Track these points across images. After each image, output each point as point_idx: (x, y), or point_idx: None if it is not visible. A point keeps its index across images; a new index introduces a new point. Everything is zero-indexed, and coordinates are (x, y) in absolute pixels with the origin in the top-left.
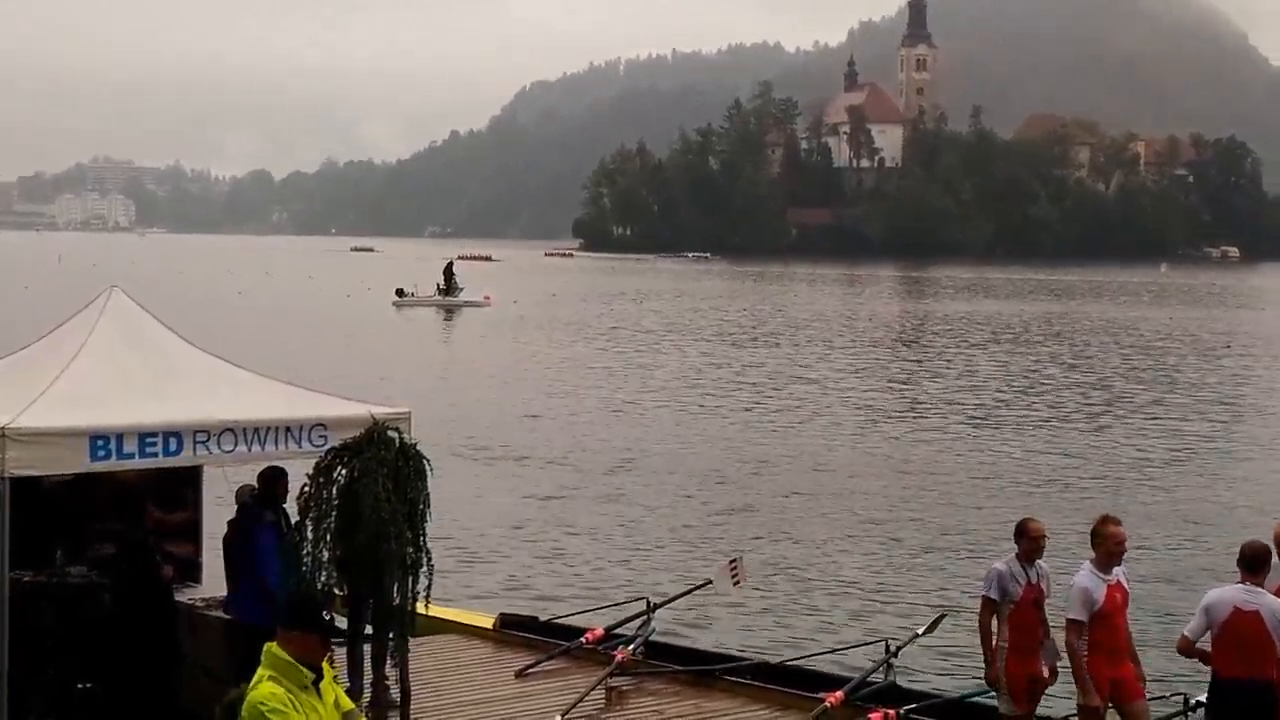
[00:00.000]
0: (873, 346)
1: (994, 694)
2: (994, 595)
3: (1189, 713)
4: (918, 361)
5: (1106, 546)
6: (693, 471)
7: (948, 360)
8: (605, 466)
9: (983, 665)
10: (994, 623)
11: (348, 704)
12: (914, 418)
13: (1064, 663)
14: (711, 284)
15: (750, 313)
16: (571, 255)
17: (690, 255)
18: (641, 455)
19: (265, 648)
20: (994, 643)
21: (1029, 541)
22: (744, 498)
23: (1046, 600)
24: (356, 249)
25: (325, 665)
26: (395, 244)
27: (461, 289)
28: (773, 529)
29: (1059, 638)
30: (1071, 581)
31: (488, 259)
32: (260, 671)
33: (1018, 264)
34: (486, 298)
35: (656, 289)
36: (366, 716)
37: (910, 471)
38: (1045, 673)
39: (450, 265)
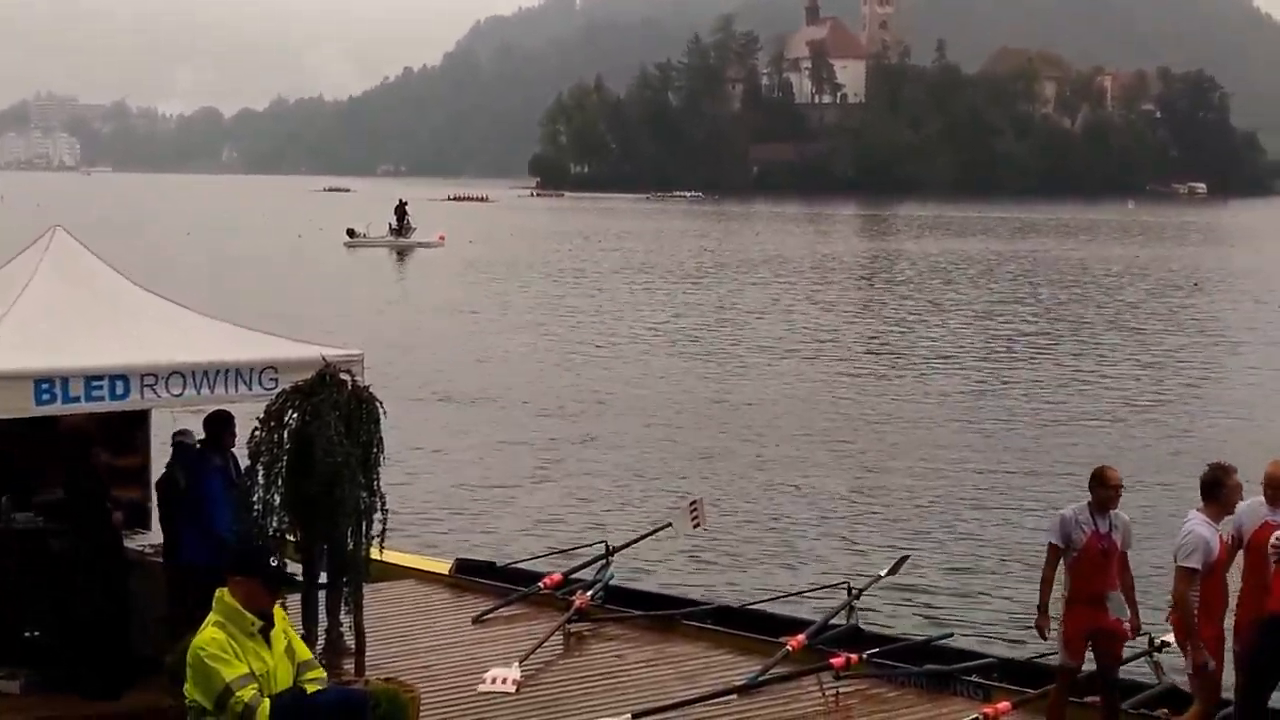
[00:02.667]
0: (837, 287)
1: (948, 636)
2: (1057, 541)
3: (1154, 652)
4: (881, 303)
5: (1229, 496)
6: (652, 415)
7: (912, 301)
8: (562, 410)
9: (944, 608)
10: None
11: (304, 652)
12: (878, 360)
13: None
14: (672, 223)
15: (712, 253)
16: (539, 195)
17: (688, 195)
18: (599, 398)
19: (216, 594)
20: (1050, 591)
21: (1104, 489)
22: (704, 441)
23: (1125, 551)
24: (331, 189)
25: (277, 612)
26: (353, 183)
27: (414, 229)
28: (734, 472)
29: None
30: (1186, 529)
31: (483, 199)
32: (209, 617)
33: (982, 201)
34: (440, 237)
35: (616, 229)
36: (321, 664)
37: (874, 414)
38: (1117, 624)
39: (402, 205)
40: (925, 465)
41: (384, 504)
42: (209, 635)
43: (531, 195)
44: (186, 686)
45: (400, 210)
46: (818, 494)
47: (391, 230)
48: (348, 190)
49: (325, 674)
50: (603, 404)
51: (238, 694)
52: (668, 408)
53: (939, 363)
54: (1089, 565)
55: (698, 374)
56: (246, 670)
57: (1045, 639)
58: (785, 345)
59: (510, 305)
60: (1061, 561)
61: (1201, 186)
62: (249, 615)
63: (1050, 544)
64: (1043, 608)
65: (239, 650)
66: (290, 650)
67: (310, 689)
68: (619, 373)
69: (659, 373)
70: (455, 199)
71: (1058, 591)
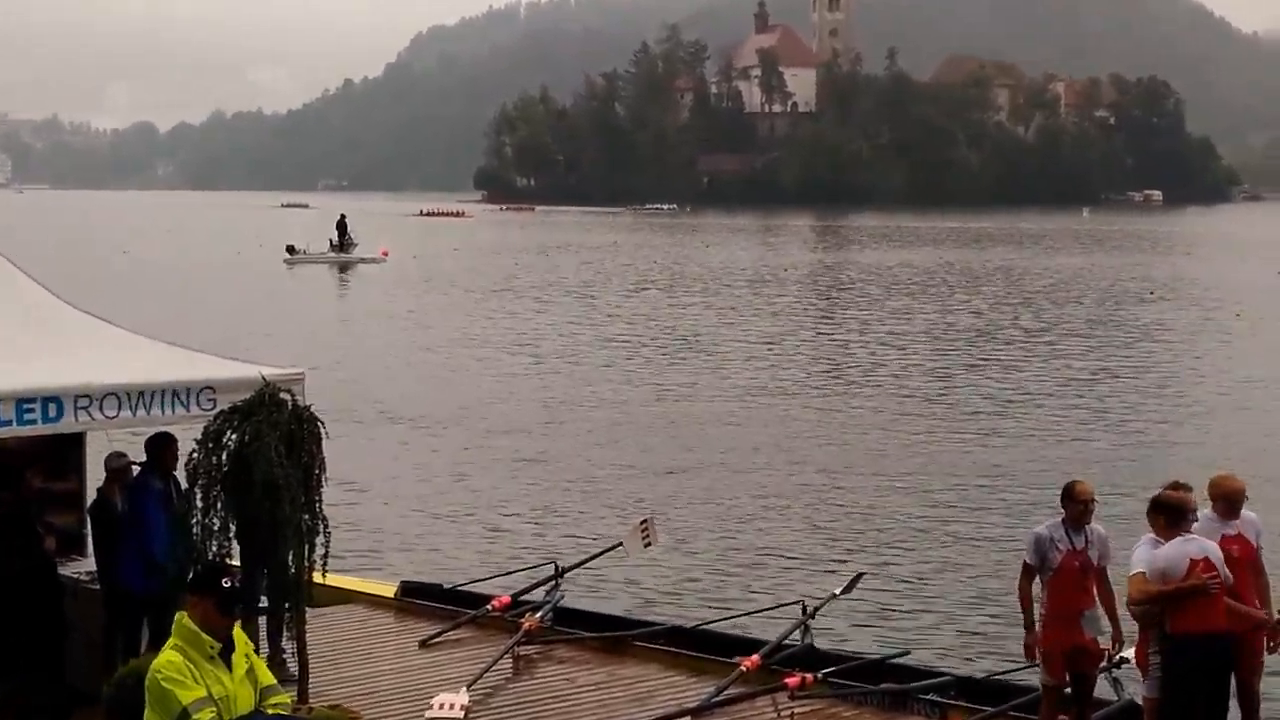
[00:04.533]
0: (790, 299)
1: (904, 654)
2: (1031, 560)
3: (1114, 668)
4: (835, 315)
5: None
6: (601, 432)
7: (866, 313)
8: (509, 428)
9: (900, 626)
10: (1035, 589)
11: (267, 677)
12: (832, 373)
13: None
14: (620, 236)
15: (662, 266)
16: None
17: (665, 208)
18: (547, 416)
19: (176, 616)
20: (1032, 609)
21: (1075, 504)
22: (655, 459)
23: (1103, 566)
24: (289, 205)
25: (238, 635)
26: (304, 198)
27: (356, 244)
28: (686, 490)
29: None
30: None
31: (458, 214)
32: (169, 640)
33: (936, 211)
34: (384, 253)
35: (566, 241)
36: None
37: (827, 429)
38: (1092, 643)
39: (343, 219)
40: (880, 481)
41: (326, 526)
42: (166, 658)
43: (501, 210)
44: (146, 713)
45: (341, 225)
46: (771, 511)
47: (332, 246)
48: (306, 206)
49: (289, 699)
50: (551, 421)
51: (195, 717)
52: (618, 425)
53: (893, 376)
54: (1067, 582)
55: (648, 390)
56: (204, 693)
57: (1035, 659)
58: (737, 360)
59: (454, 321)
60: (1039, 579)
61: (1158, 194)
62: (206, 638)
63: (1024, 562)
64: (1029, 626)
65: (197, 673)
66: (252, 674)
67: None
68: (567, 389)
69: (608, 389)
70: (429, 214)
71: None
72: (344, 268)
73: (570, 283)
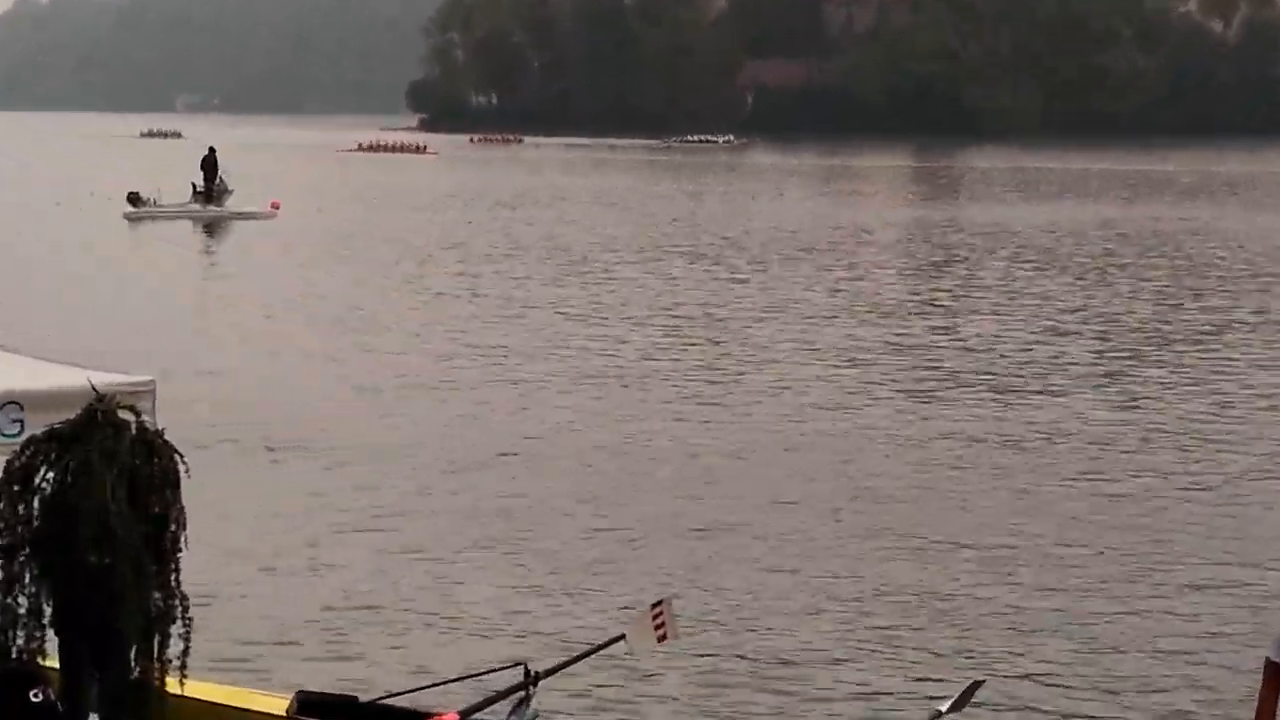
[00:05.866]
0: (868, 277)
1: None
2: (1276, 656)
3: None
4: (933, 301)
5: None
6: (593, 472)
7: (979, 297)
8: (457, 464)
9: None
10: None
11: None
12: (931, 390)
13: None
14: (618, 180)
15: (682, 226)
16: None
17: (719, 140)
18: (508, 443)
19: None
20: None
21: None
22: (674, 511)
23: None
24: (152, 133)
25: None
26: (173, 123)
27: (230, 191)
28: (720, 557)
29: None
30: None
31: (417, 150)
32: None
33: (1085, 144)
34: (274, 206)
35: (535, 187)
36: None
37: (925, 471)
38: None
39: (212, 156)
40: (1006, 545)
41: (186, 608)
42: None
43: (473, 143)
44: None
45: (209, 164)
46: (840, 588)
47: (196, 194)
48: (177, 135)
49: None
50: (519, 455)
51: None
52: (610, 459)
53: (1026, 394)
54: None
55: (662, 410)
56: None
57: None
58: (788, 362)
59: (377, 309)
60: None
61: None
62: None
63: (1267, 661)
64: None
65: None
66: None
67: None
68: (534, 407)
69: (593, 407)
70: (371, 148)
71: None
72: (213, 226)
73: (547, 252)
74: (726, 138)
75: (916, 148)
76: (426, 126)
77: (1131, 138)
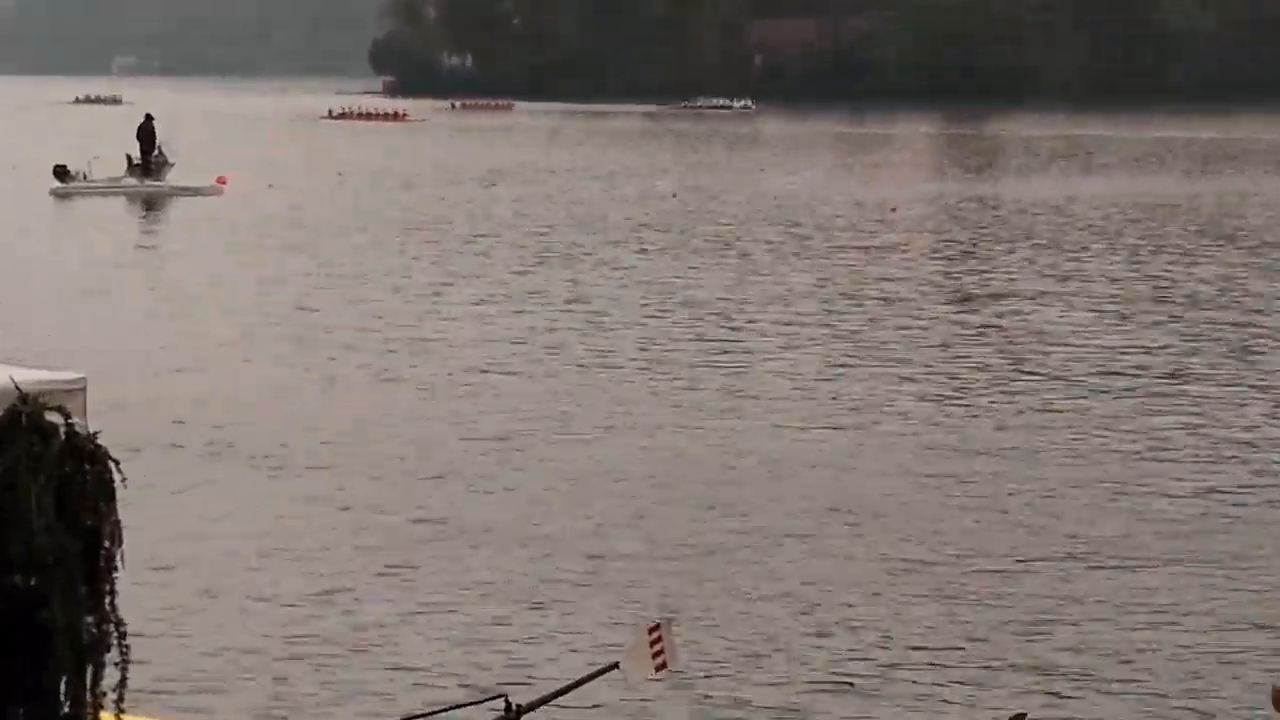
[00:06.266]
0: (890, 261)
1: None
2: None
3: None
4: (966, 289)
5: None
6: (574, 474)
7: (1019, 283)
8: (416, 469)
9: None
10: None
11: None
12: (962, 391)
13: None
14: (608, 152)
15: (681, 201)
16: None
17: (735, 105)
18: (480, 449)
19: None
20: None
21: None
22: (672, 525)
23: None
24: (89, 99)
25: None
26: (102, 89)
27: (170, 164)
28: (723, 576)
29: None
30: None
31: (394, 117)
32: None
33: (1139, 109)
34: (220, 181)
35: (530, 161)
36: None
37: (954, 482)
38: None
39: (149, 123)
40: (1047, 567)
41: (124, 636)
42: None
43: (453, 108)
44: None
45: (146, 133)
46: (861, 612)
47: (132, 166)
48: (115, 101)
49: None
50: (495, 460)
51: None
52: (596, 466)
53: (1064, 393)
54: None
55: (647, 409)
56: None
57: None
58: (798, 361)
59: (324, 296)
60: None
61: None
62: None
63: None
64: None
65: None
66: None
67: None
68: (509, 409)
69: (579, 409)
70: (344, 116)
71: None
72: (150, 203)
73: (527, 234)
74: (744, 102)
75: (945, 114)
76: (392, 91)
77: (1192, 102)
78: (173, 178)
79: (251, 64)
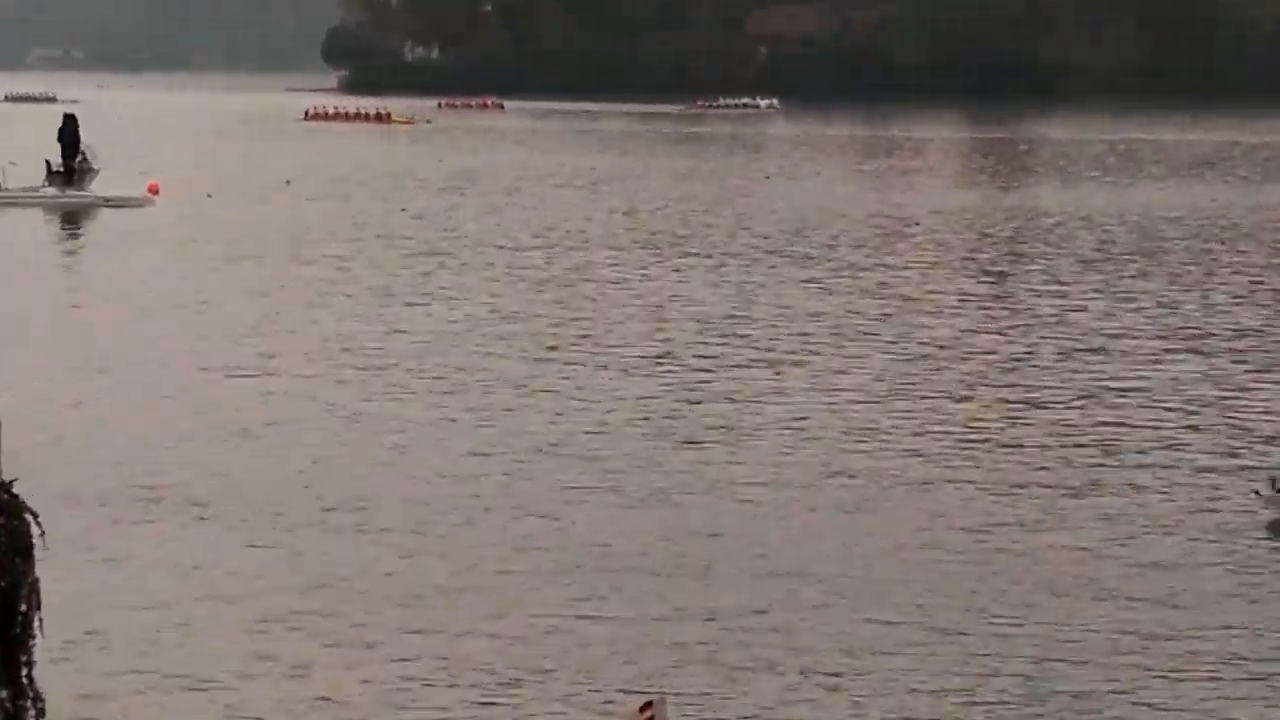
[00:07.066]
0: (911, 280)
1: None
2: None
3: None
4: (1001, 310)
5: None
6: (553, 524)
7: (1057, 301)
8: (367, 518)
9: None
10: None
11: None
12: (997, 414)
13: None
14: (595, 159)
15: (677, 213)
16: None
17: (761, 104)
18: (437, 494)
19: None
20: None
21: None
22: (667, 582)
23: None
24: (15, 98)
25: None
26: (32, 88)
27: (95, 170)
28: (725, 644)
29: None
30: None
31: (381, 118)
32: None
33: (1190, 109)
34: (151, 190)
35: (491, 167)
36: None
37: (991, 525)
38: None
39: (71, 124)
40: (1090, 624)
41: (40, 711)
42: None
43: (439, 108)
44: None
45: (69, 135)
46: (860, 682)
47: (52, 173)
48: (51, 99)
49: None
50: (437, 508)
51: None
52: (577, 513)
53: (1098, 433)
54: None
55: (637, 446)
56: None
57: None
58: (806, 391)
59: (261, 320)
60: None
61: None
62: None
63: None
64: None
65: None
66: None
67: None
68: (472, 450)
69: (556, 445)
70: (318, 117)
71: None
72: (73, 215)
73: (493, 245)
74: (769, 101)
75: (972, 114)
76: (349, 87)
77: (1251, 101)
78: (97, 186)
79: (188, 56)
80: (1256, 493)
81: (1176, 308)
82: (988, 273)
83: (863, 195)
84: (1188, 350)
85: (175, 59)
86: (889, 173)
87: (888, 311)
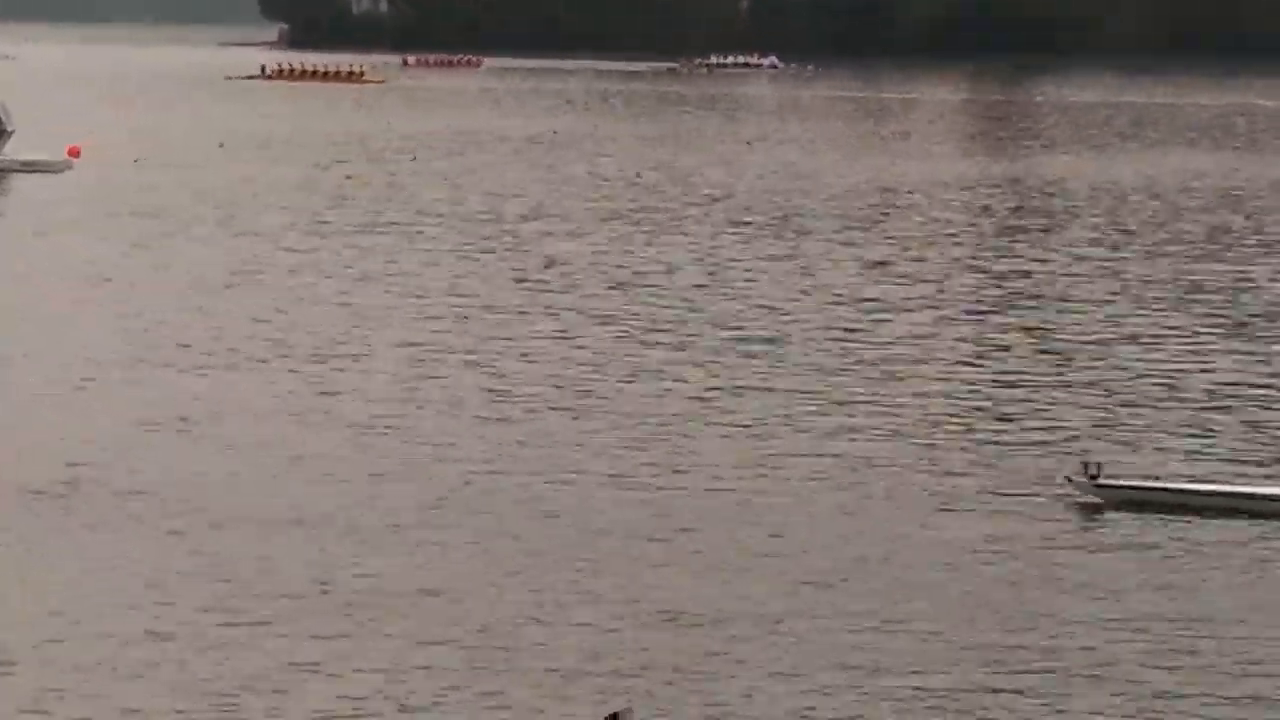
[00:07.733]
0: (913, 259)
1: None
2: None
3: None
4: (1012, 293)
5: None
6: (519, 530)
7: (1054, 288)
8: (320, 520)
9: None
10: None
11: None
12: (992, 414)
13: None
14: (582, 120)
15: (647, 182)
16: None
17: (764, 63)
18: (400, 495)
19: None
20: None
21: None
22: (629, 583)
23: None
24: None
25: None
26: None
27: (10, 131)
28: (688, 649)
29: None
30: None
31: (353, 75)
32: None
33: (1206, 71)
34: (71, 153)
35: (473, 131)
36: None
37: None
38: None
39: None
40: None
41: None
42: None
43: (405, 65)
44: None
45: None
46: (840, 694)
47: None
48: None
49: None
50: (400, 510)
51: None
52: (546, 518)
53: (1112, 421)
54: None
55: (607, 445)
56: None
57: None
58: (796, 379)
59: (190, 297)
60: None
61: None
62: None
63: None
64: None
65: None
66: None
67: None
68: (434, 446)
69: (521, 446)
70: (279, 75)
71: None
72: None
73: (458, 215)
74: (770, 60)
75: (973, 74)
76: (290, 42)
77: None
78: (11, 149)
79: (98, 6)
80: (1069, 479)
81: (1180, 280)
82: (986, 246)
83: (863, 164)
84: (1196, 321)
85: (89, 9)
86: (889, 136)
87: (873, 295)
